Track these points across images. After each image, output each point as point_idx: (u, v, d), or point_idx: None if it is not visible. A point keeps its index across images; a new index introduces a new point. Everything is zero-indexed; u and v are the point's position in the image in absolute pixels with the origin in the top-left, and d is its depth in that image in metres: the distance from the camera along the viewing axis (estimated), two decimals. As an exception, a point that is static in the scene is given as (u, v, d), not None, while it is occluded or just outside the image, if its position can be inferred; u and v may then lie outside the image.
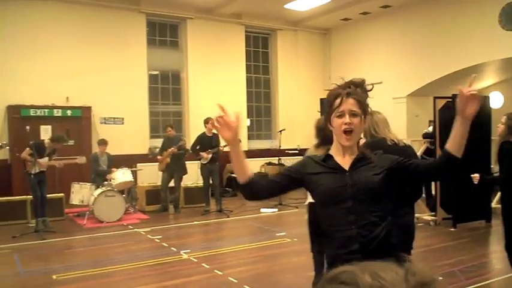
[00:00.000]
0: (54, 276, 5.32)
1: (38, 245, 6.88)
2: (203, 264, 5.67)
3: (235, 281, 5.08)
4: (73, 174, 9.49)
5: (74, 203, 8.67)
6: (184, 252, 6.25)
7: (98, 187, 8.62)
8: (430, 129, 8.69)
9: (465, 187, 7.31)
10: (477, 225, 7.74)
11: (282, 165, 11.52)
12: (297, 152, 13.44)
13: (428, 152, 8.46)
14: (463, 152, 2.01)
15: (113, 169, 8.98)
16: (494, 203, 8.00)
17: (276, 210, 9.57)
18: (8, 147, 8.15)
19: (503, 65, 10.82)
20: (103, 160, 9.18)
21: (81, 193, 8.63)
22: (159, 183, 9.73)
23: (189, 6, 12.04)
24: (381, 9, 12.26)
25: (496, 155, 4.50)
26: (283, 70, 13.99)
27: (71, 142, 10.66)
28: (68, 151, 9.65)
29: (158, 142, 10.64)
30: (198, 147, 9.31)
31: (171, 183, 9.65)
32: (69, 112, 10.60)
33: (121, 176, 8.73)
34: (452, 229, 7.46)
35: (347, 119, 2.05)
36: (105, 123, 11.18)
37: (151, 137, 11.91)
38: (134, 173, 9.55)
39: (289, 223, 8.62)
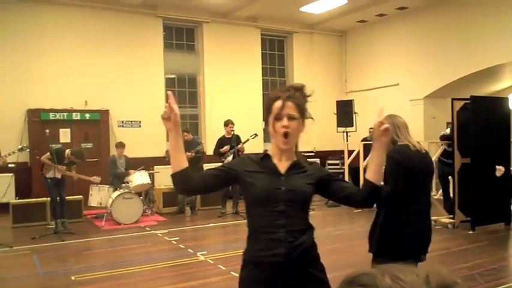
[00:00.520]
0: (72, 277, 5.39)
1: (57, 246, 6.98)
2: (220, 266, 5.70)
3: (252, 283, 5.08)
4: (88, 181, 9.60)
5: (92, 205, 8.77)
6: (201, 254, 6.29)
7: (115, 189, 8.72)
8: (448, 131, 8.60)
9: (484, 189, 7.27)
10: (496, 228, 7.63)
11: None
12: (313, 154, 13.43)
13: (446, 154, 8.38)
14: (380, 179, 2.11)
15: (130, 171, 9.08)
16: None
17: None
18: (28, 150, 8.30)
19: (522, 66, 10.70)
20: (121, 163, 9.28)
21: (99, 195, 8.73)
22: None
23: (205, 10, 12.13)
24: (397, 10, 12.20)
25: None
26: (299, 73, 13.98)
27: (89, 145, 10.83)
28: (86, 154, 9.78)
29: (175, 145, 10.70)
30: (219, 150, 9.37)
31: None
32: (87, 115, 10.75)
33: (138, 178, 8.81)
34: (470, 232, 7.37)
35: (285, 122, 2.05)
36: (123, 126, 11.31)
37: (168, 139, 11.97)
38: (151, 176, 9.63)
39: (305, 226, 8.60)
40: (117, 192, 8.51)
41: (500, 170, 4.45)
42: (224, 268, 5.61)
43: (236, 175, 2.13)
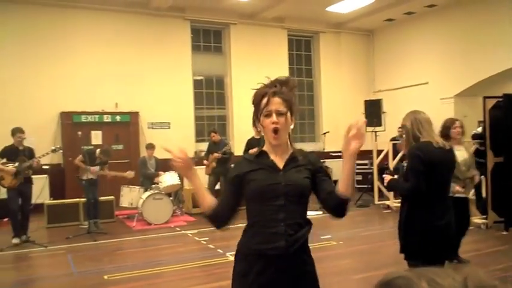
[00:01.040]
0: (105, 277, 5.51)
1: (90, 246, 7.14)
2: (249, 266, 5.72)
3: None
4: (122, 178, 9.78)
5: (124, 205, 8.94)
6: (230, 254, 6.32)
7: (146, 190, 8.86)
8: (480, 129, 8.45)
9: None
10: (531, 228, 7.46)
11: (327, 167, 11.47)
12: (341, 154, 13.35)
13: (478, 153, 8.22)
14: (351, 189, 2.08)
15: (160, 172, 9.20)
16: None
17: (320, 213, 9.51)
18: (61, 151, 8.51)
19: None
20: (151, 163, 9.42)
21: (130, 196, 8.89)
22: (206, 187, 9.87)
23: (232, 12, 12.20)
24: (426, 8, 12.02)
25: None
26: (327, 72, 13.93)
27: (120, 146, 11.02)
28: (116, 155, 10.02)
29: (204, 146, 10.82)
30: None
31: (217, 186, 9.79)
32: (118, 118, 10.95)
33: (168, 179, 8.93)
34: (504, 233, 7.22)
35: (274, 118, 2.07)
36: (152, 128, 11.47)
37: (197, 140, 12.12)
38: (181, 177, 9.73)
39: (334, 226, 8.57)
40: (147, 193, 8.64)
41: None
42: (253, 268, 5.62)
43: (243, 179, 2.16)
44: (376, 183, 10.16)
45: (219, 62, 12.75)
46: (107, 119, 10.84)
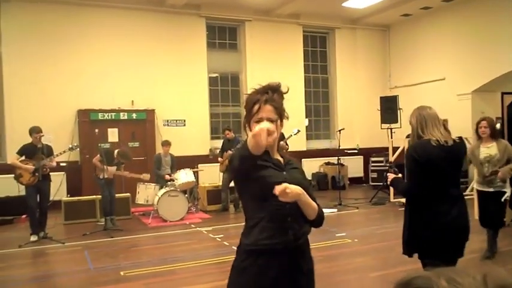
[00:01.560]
0: (122, 273, 5.56)
1: (107, 243, 7.21)
2: (264, 264, 5.72)
3: (296, 280, 5.09)
4: (138, 179, 9.85)
5: (140, 202, 9.00)
6: (245, 252, 6.33)
7: (161, 187, 8.91)
8: (498, 126, 8.33)
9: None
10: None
11: (342, 165, 11.42)
12: (356, 151, 13.28)
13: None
14: (315, 214, 2.21)
15: (167, 176, 9.21)
16: None
17: (335, 210, 9.51)
18: (78, 149, 8.62)
19: None
20: (166, 160, 9.47)
21: (146, 193, 8.95)
22: (220, 184, 9.92)
23: (247, 9, 12.19)
24: (443, 3, 11.88)
25: None
26: (342, 69, 13.85)
27: (136, 144, 11.11)
28: (133, 152, 10.08)
29: (218, 143, 10.85)
30: None
31: (232, 184, 9.80)
32: (134, 115, 11.03)
33: (184, 176, 8.97)
34: (522, 231, 7.11)
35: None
36: (168, 125, 11.53)
37: (212, 138, 12.15)
38: (196, 174, 9.78)
39: (349, 223, 8.54)
40: (163, 190, 8.69)
41: None
42: (268, 265, 5.62)
43: (247, 172, 2.17)
44: (392, 181, 10.06)
45: (234, 59, 12.76)
46: (123, 116, 10.92)
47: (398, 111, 10.96)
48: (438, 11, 12.32)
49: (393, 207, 9.78)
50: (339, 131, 10.50)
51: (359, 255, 6.21)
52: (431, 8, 12.30)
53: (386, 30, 14.28)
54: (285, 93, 2.29)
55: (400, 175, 3.53)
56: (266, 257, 2.12)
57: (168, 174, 9.26)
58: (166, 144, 9.51)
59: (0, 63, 10.20)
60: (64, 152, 7.57)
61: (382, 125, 11.33)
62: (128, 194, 9.17)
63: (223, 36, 12.70)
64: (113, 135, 10.89)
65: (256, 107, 2.18)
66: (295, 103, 12.57)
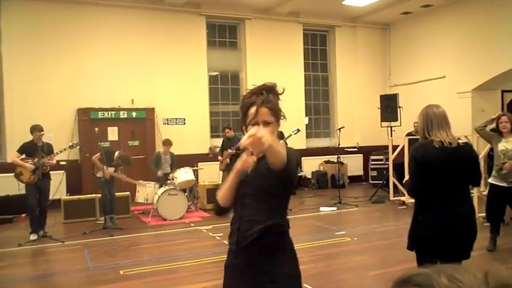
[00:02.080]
0: (121, 272, 5.57)
1: (106, 241, 7.21)
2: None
3: (295, 279, 5.10)
4: (138, 173, 9.86)
5: (139, 201, 9.00)
6: (245, 250, 6.33)
7: (161, 186, 8.91)
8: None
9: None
10: (550, 225, 7.34)
11: (341, 163, 11.42)
12: (356, 149, 13.27)
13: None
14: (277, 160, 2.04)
15: (159, 172, 9.25)
16: None
17: (335, 208, 9.50)
18: (78, 147, 8.62)
19: None
20: (166, 159, 9.46)
21: (146, 191, 8.94)
22: (220, 182, 9.90)
23: (247, 7, 12.18)
24: (443, 1, 11.86)
25: None
26: (342, 67, 13.84)
27: (136, 142, 11.11)
28: (133, 151, 10.12)
29: (218, 141, 10.85)
30: None
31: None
32: (134, 114, 11.02)
33: (183, 175, 8.97)
34: (522, 229, 7.11)
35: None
36: (168, 123, 11.53)
37: (212, 136, 12.15)
38: (196, 172, 9.78)
39: (348, 222, 8.54)
40: (162, 189, 8.69)
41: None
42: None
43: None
44: (392, 179, 10.07)
45: (234, 57, 12.75)
46: (123, 115, 10.91)
47: (398, 109, 10.96)
48: (438, 9, 12.30)
49: (393, 205, 9.78)
50: (339, 129, 10.50)
51: (358, 253, 6.21)
52: (432, 6, 12.28)
53: (387, 28, 14.26)
54: (280, 93, 2.30)
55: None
56: (232, 256, 2.30)
57: (167, 173, 9.26)
58: (167, 143, 9.49)
59: (1, 61, 10.18)
60: (64, 149, 7.58)
61: (382, 123, 11.33)
62: (128, 192, 9.17)
63: (223, 34, 12.68)
64: (112, 133, 10.89)
65: (252, 109, 2.19)
66: (295, 101, 12.57)
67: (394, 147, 10.11)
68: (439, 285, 0.65)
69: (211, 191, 9.93)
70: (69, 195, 9.44)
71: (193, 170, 9.40)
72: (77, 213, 8.78)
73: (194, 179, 9.31)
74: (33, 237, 7.31)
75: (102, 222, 8.08)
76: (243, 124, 2.26)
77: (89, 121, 10.51)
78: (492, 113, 9.82)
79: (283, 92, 2.32)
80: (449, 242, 3.18)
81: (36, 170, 7.25)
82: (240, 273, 2.23)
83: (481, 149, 8.18)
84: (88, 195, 9.11)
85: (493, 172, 5.92)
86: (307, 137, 13.21)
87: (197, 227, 8.09)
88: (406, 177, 3.62)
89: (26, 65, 10.21)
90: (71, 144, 7.89)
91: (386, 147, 10.75)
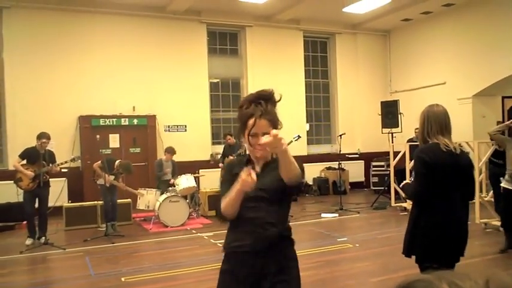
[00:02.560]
0: (123, 279, 5.56)
1: (108, 248, 7.20)
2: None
3: (297, 285, 5.09)
4: (139, 180, 9.87)
5: (141, 208, 8.99)
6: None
7: (162, 193, 8.91)
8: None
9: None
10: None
11: (343, 169, 11.42)
12: (357, 156, 13.28)
13: (497, 155, 8.10)
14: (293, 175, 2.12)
15: (166, 173, 9.28)
16: None
17: (336, 215, 9.49)
18: (79, 160, 8.68)
19: None
20: (167, 165, 9.48)
21: (147, 198, 8.94)
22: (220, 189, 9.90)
23: (248, 14, 12.23)
24: (443, 8, 11.91)
25: None
26: (342, 74, 13.87)
27: (137, 150, 11.12)
28: (134, 158, 10.12)
29: (220, 148, 10.86)
30: None
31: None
32: (135, 121, 11.04)
33: (185, 181, 8.97)
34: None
35: (261, 141, 2.15)
36: (169, 130, 11.55)
37: (213, 143, 12.16)
38: (197, 179, 9.78)
39: (350, 228, 8.53)
40: (164, 196, 8.69)
41: None
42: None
43: (235, 179, 2.26)
44: (393, 185, 10.07)
45: (235, 64, 12.79)
46: (124, 122, 10.94)
47: (399, 115, 10.98)
48: (438, 15, 12.35)
49: (394, 211, 9.77)
50: (340, 135, 10.52)
51: (360, 260, 6.20)
52: (432, 12, 12.33)
53: (387, 35, 14.31)
54: (278, 101, 2.30)
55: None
56: (234, 260, 2.31)
57: (168, 180, 9.28)
58: (170, 151, 9.48)
59: (2, 69, 10.23)
60: (65, 162, 7.61)
61: (383, 129, 11.34)
62: (129, 199, 9.16)
63: (224, 41, 12.73)
64: (114, 141, 10.90)
65: (251, 121, 2.21)
66: (296, 108, 12.60)
67: (395, 154, 10.12)
68: None
69: (213, 198, 9.92)
70: (71, 202, 9.43)
71: (194, 176, 9.40)
72: (78, 220, 8.77)
73: (195, 185, 9.31)
74: (28, 241, 7.41)
75: (104, 229, 8.07)
76: (242, 133, 2.27)
77: (90, 128, 10.53)
78: (493, 119, 9.88)
79: (280, 99, 2.31)
80: (449, 247, 3.18)
81: (36, 178, 7.27)
82: (243, 279, 2.24)
83: (482, 155, 8.19)
84: (89, 203, 9.11)
85: (506, 176, 5.91)
86: (308, 144, 13.22)
87: (199, 234, 8.08)
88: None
89: (28, 73, 10.25)
90: (72, 157, 7.96)
91: (388, 153, 10.75)
